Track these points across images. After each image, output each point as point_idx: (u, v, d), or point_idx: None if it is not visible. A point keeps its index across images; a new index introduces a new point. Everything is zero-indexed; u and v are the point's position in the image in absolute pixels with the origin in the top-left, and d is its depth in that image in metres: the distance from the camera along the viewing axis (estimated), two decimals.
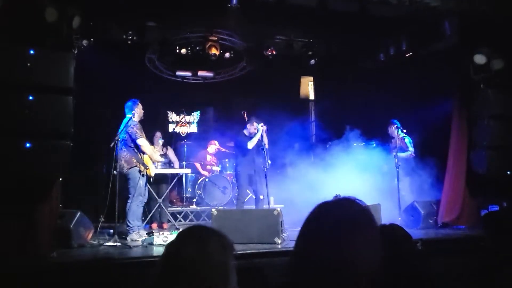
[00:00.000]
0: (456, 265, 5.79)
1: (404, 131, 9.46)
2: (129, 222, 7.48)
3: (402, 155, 9.35)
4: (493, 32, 7.96)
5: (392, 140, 9.70)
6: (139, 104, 7.87)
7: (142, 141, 7.55)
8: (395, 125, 9.54)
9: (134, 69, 10.54)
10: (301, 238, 1.40)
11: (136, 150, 7.57)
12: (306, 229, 1.40)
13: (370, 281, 1.29)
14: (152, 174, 7.82)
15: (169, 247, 1.89)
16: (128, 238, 7.38)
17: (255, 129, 8.95)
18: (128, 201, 7.50)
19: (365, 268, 1.27)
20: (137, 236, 7.38)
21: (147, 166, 7.63)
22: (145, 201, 7.75)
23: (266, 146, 8.95)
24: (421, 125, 9.21)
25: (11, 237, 5.42)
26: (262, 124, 8.93)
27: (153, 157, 7.92)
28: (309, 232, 1.39)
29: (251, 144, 8.86)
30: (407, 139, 9.53)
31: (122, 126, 7.58)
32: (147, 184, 8.52)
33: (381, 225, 3.07)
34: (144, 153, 7.63)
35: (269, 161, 8.78)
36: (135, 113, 7.73)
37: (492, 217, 3.73)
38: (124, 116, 7.72)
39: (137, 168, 7.53)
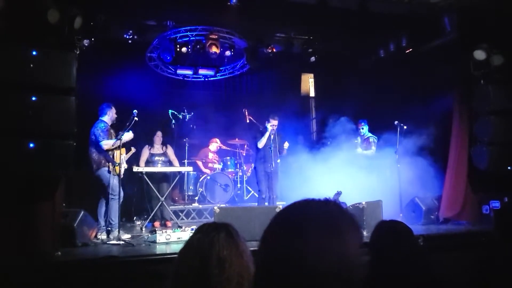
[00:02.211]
0: (458, 260, 5.83)
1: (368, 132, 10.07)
2: (112, 220, 7.61)
3: (365, 152, 9.84)
4: (492, 27, 7.97)
5: (359, 137, 10.13)
6: (113, 108, 8.01)
7: (104, 143, 7.62)
8: (362, 124, 10.09)
9: (135, 68, 10.56)
10: (264, 237, 1.38)
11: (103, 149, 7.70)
12: (268, 231, 1.38)
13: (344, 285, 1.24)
14: (121, 172, 7.84)
15: (199, 244, 1.98)
16: (111, 236, 7.48)
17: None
18: (111, 200, 7.60)
19: (329, 274, 1.21)
20: (121, 234, 7.45)
21: (116, 163, 7.70)
22: (121, 199, 7.78)
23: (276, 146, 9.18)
24: (422, 121, 9.22)
25: (12, 235, 5.46)
26: (272, 124, 9.12)
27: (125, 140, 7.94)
28: (270, 234, 1.37)
29: (260, 144, 9.17)
30: (372, 139, 9.94)
31: (92, 128, 7.77)
32: (150, 183, 8.62)
33: (381, 221, 3.11)
34: (112, 150, 7.77)
35: (278, 160, 8.93)
36: (107, 116, 7.92)
37: (503, 212, 3.76)
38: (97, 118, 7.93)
39: (106, 169, 7.65)
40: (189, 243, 2.09)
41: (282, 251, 1.25)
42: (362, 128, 10.10)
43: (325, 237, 1.24)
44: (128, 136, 7.97)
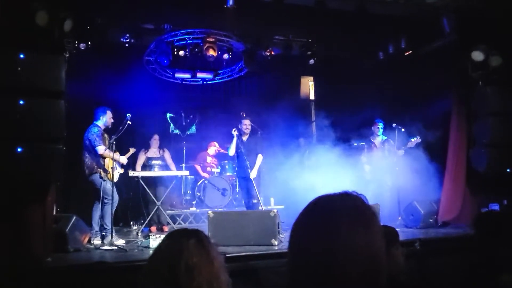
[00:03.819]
0: (456, 263, 5.74)
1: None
2: (106, 225, 7.57)
3: (395, 154, 9.27)
4: (490, 28, 7.88)
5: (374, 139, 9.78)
6: (108, 113, 7.92)
7: (101, 149, 7.56)
8: (378, 124, 9.70)
9: (132, 72, 10.51)
10: (295, 231, 1.35)
11: (97, 155, 7.62)
12: (300, 221, 1.37)
13: (372, 279, 1.24)
14: (115, 179, 7.74)
15: (167, 251, 1.95)
16: (105, 241, 7.39)
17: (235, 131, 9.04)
18: (105, 205, 7.57)
19: (360, 265, 1.22)
20: (115, 239, 7.38)
21: (107, 171, 7.62)
22: (116, 203, 7.73)
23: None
24: (421, 123, 9.14)
25: (1, 241, 5.40)
26: (234, 129, 9.02)
27: (119, 160, 7.92)
28: (302, 224, 1.35)
29: (231, 152, 9.11)
30: (391, 141, 9.48)
31: (85, 132, 7.70)
32: (146, 187, 8.57)
33: None
34: (105, 158, 7.67)
35: (249, 170, 8.71)
36: (101, 121, 7.84)
37: (483, 219, 3.68)
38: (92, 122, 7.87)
39: (98, 174, 7.59)
40: (157, 250, 2.04)
41: (315, 245, 1.25)
42: (379, 128, 9.68)
43: (356, 230, 1.25)
44: (122, 159, 8.05)
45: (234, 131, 8.95)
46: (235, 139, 8.94)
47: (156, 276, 1.92)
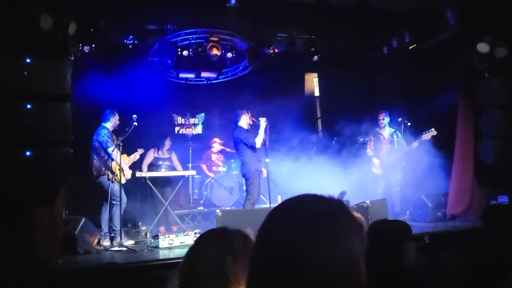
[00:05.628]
0: (466, 256, 5.72)
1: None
2: (115, 226, 7.57)
3: (404, 150, 9.09)
4: (495, 19, 7.82)
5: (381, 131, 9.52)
6: (116, 115, 7.95)
7: (112, 149, 7.57)
8: (383, 115, 9.42)
9: (137, 73, 10.52)
10: (260, 239, 1.31)
11: (106, 158, 7.64)
12: (265, 229, 1.32)
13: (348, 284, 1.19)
14: (123, 181, 7.75)
15: (204, 263, 1.73)
16: (114, 242, 7.41)
17: (250, 119, 8.52)
18: (113, 207, 7.59)
19: (336, 270, 1.18)
20: (124, 240, 7.40)
21: (115, 173, 7.62)
22: (124, 205, 7.75)
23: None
24: (427, 116, 9.10)
25: (10, 245, 5.42)
26: (265, 119, 8.44)
27: (123, 167, 7.82)
28: (269, 233, 1.30)
29: (259, 142, 8.27)
30: (399, 134, 9.30)
31: (94, 135, 7.71)
32: (153, 188, 8.59)
33: (375, 221, 3.03)
34: (113, 160, 7.66)
35: (267, 159, 8.56)
36: (110, 122, 7.85)
37: (493, 212, 3.69)
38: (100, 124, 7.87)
39: (105, 176, 7.61)
40: (190, 259, 1.79)
41: (278, 248, 1.19)
42: (383, 119, 9.34)
43: (322, 236, 1.18)
44: (127, 174, 8.01)
45: (264, 121, 8.36)
46: (262, 128, 8.31)
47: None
